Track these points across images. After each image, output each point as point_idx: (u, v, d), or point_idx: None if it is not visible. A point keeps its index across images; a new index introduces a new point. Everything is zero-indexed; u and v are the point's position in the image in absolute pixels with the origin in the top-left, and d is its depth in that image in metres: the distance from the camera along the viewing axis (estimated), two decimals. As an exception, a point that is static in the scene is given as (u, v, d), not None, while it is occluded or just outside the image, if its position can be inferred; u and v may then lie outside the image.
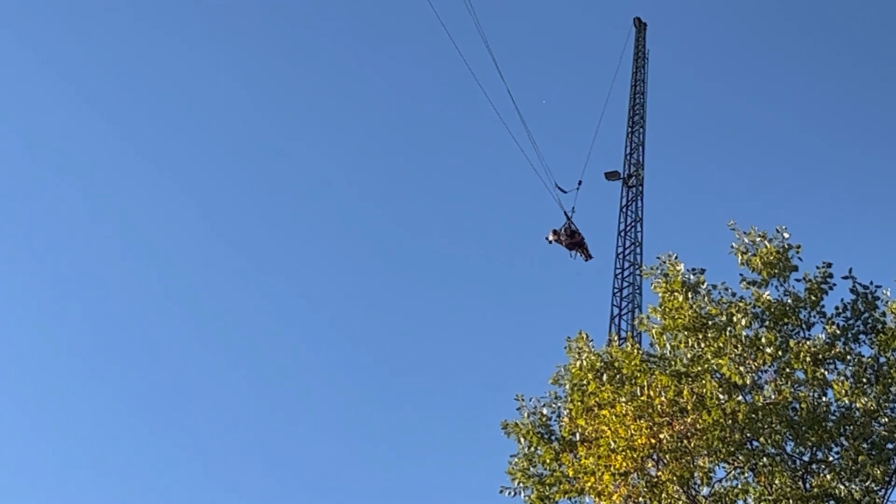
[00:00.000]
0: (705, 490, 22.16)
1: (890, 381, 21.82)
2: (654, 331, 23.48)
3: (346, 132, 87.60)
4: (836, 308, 22.61)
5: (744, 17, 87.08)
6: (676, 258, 23.49)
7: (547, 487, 23.47)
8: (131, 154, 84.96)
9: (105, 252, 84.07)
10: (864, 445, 21.42)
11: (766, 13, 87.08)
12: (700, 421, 21.64)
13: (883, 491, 21.61)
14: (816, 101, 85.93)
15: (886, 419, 21.69)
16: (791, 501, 21.35)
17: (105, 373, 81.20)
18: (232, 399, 79.02)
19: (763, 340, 22.14)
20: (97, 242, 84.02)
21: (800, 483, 21.75)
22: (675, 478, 21.72)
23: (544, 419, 24.07)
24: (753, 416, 21.57)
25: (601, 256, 48.52)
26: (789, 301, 22.65)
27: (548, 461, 23.55)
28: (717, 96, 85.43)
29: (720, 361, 22.20)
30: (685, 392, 22.01)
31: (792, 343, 22.14)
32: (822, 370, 22.01)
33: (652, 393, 22.16)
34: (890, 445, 21.53)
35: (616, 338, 26.45)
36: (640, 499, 22.06)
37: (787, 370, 22.17)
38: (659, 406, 22.03)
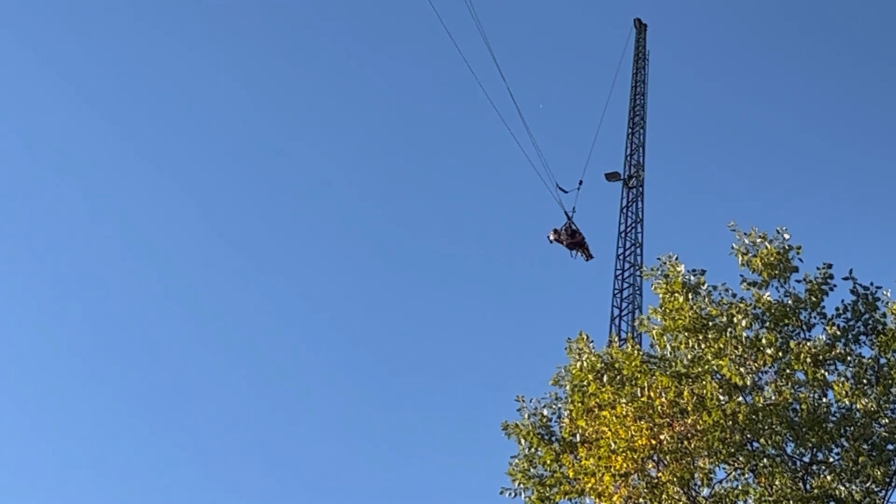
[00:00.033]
0: (706, 491, 22.17)
1: (890, 382, 21.82)
2: (654, 332, 23.48)
3: (346, 132, 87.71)
4: (837, 309, 22.62)
5: (744, 18, 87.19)
6: (677, 259, 23.51)
7: (547, 488, 23.47)
8: (131, 154, 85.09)
9: (105, 252, 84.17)
10: (865, 446, 21.42)
11: (766, 14, 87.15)
12: (700, 422, 21.64)
13: (883, 492, 21.62)
14: (816, 101, 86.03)
15: (887, 420, 21.69)
16: (791, 502, 21.35)
17: (105, 373, 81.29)
18: (232, 399, 79.10)
19: (763, 341, 22.14)
20: (97, 242, 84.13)
21: (800, 484, 21.75)
22: (675, 479, 21.72)
23: (545, 420, 24.07)
24: (754, 417, 21.57)
25: (602, 257, 48.56)
26: (790, 302, 22.65)
27: (548, 462, 23.55)
28: (717, 97, 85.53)
29: (720, 362, 22.20)
30: (685, 393, 22.01)
31: (792, 344, 22.14)
32: (823, 371, 22.01)
33: (652, 394, 22.16)
34: (890, 446, 21.53)
35: (616, 339, 26.47)
36: (641, 500, 22.06)
37: (788, 371, 22.17)
38: (659, 407, 22.04)
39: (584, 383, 23.26)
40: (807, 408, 21.67)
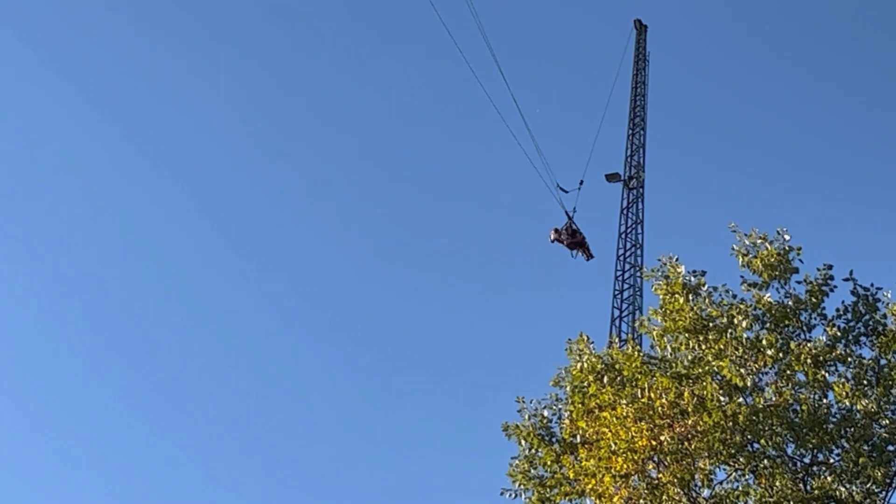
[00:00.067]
0: (706, 492, 22.18)
1: (891, 383, 21.83)
2: (654, 333, 23.48)
3: (347, 132, 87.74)
4: (837, 310, 22.63)
5: (744, 20, 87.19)
6: (677, 260, 23.52)
7: (548, 489, 23.48)
8: (131, 154, 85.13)
9: (105, 252, 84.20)
10: (865, 447, 21.43)
11: (766, 15, 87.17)
12: (701, 423, 21.65)
13: (884, 493, 21.63)
14: (817, 102, 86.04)
15: (887, 421, 21.70)
16: (792, 503, 21.36)
17: (105, 373, 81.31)
18: (232, 399, 79.11)
19: (764, 342, 22.15)
20: (97, 242, 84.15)
21: (800, 485, 21.76)
22: (675, 480, 21.73)
23: (545, 421, 24.08)
24: (754, 418, 21.58)
25: (602, 258, 48.56)
26: (790, 303, 22.66)
27: (548, 463, 23.56)
28: (717, 98, 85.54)
29: (721, 363, 22.21)
30: (686, 394, 22.02)
31: (793, 345, 22.15)
32: (823, 372, 22.02)
33: (653, 395, 22.17)
34: (891, 447, 21.53)
35: (617, 340, 26.48)
36: (641, 501, 22.07)
37: (788, 372, 22.17)
38: (660, 408, 22.04)
39: (585, 384, 23.26)
40: (807, 409, 21.68)
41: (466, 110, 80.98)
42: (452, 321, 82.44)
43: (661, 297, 23.35)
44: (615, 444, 21.97)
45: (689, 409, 21.91)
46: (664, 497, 21.90)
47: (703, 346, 22.66)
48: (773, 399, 21.95)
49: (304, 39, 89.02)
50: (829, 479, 21.82)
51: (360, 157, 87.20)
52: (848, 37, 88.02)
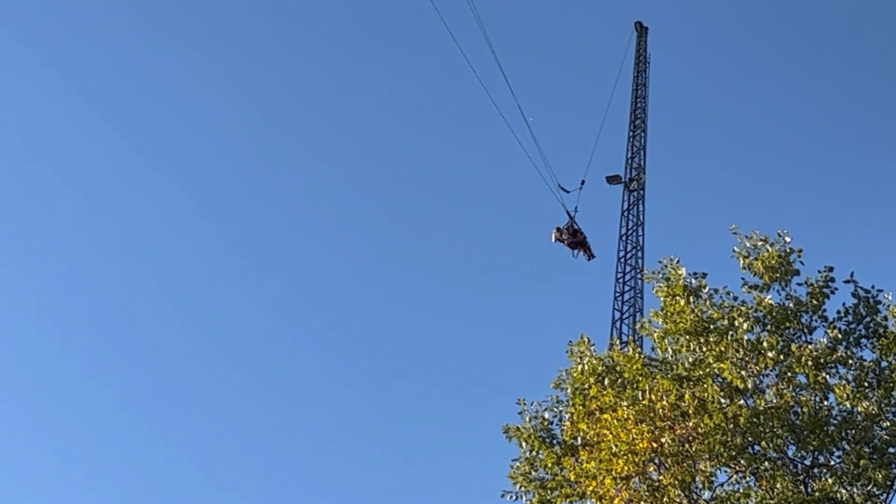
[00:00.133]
0: (707, 494, 22.17)
1: (892, 385, 21.83)
2: (655, 335, 23.47)
3: (347, 133, 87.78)
4: (838, 312, 22.63)
5: (745, 21, 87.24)
6: (678, 262, 23.50)
7: (548, 491, 23.49)
8: (131, 154, 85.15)
9: (105, 252, 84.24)
10: (866, 449, 21.43)
11: (767, 17, 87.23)
12: (701, 425, 21.65)
13: (884, 495, 21.62)
14: (818, 104, 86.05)
15: (888, 423, 21.69)
16: (793, 505, 21.38)
17: (105, 373, 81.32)
18: (232, 400, 79.11)
19: (765, 344, 22.15)
20: (97, 242, 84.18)
21: (801, 487, 21.75)
22: (676, 482, 21.73)
23: (546, 423, 24.09)
24: (755, 420, 21.57)
25: (603, 260, 48.58)
26: (791, 305, 22.65)
27: (549, 465, 23.57)
28: (718, 100, 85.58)
29: (722, 365, 22.20)
30: (687, 396, 22.02)
31: (793, 347, 22.14)
32: (824, 374, 22.02)
33: (653, 397, 22.17)
34: (892, 449, 21.53)
35: (617, 342, 26.49)
36: (642, 503, 22.06)
37: (789, 374, 22.18)
38: (660, 410, 22.05)
39: (586, 386, 23.27)
40: (808, 411, 21.68)
41: (467, 110, 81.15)
42: (453, 323, 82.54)
43: (661, 299, 23.35)
44: (616, 446, 21.97)
45: (690, 411, 21.91)
46: (665, 499, 21.90)
47: (704, 349, 22.65)
48: (774, 401, 21.95)
49: (304, 39, 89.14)
50: (829, 481, 21.81)
51: (360, 157, 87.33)
52: (848, 38, 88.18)
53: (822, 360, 22.01)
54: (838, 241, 70.00)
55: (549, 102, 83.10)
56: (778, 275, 22.79)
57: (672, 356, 23.08)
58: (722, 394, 22.11)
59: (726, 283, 23.19)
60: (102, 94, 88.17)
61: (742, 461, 21.93)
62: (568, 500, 23.26)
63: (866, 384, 21.91)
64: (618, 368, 23.24)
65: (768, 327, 22.54)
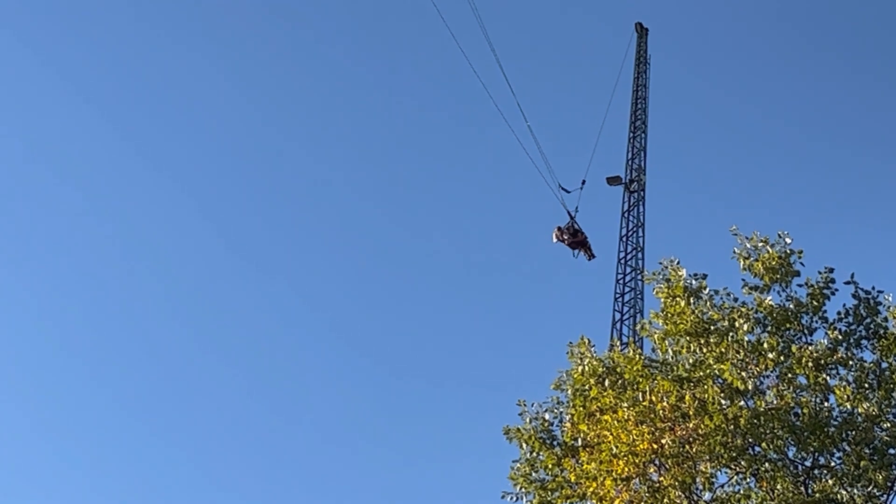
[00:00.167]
0: (707, 495, 22.17)
1: (892, 386, 21.83)
2: (655, 336, 23.48)
3: (347, 133, 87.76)
4: (839, 313, 22.64)
5: (746, 22, 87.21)
6: (678, 263, 23.51)
7: (549, 493, 23.49)
8: (131, 154, 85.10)
9: (105, 252, 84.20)
10: (866, 451, 21.43)
11: (767, 18, 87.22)
12: (702, 426, 21.65)
13: (885, 496, 21.62)
14: (819, 105, 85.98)
15: (888, 424, 21.70)
16: (793, 507, 21.38)
17: (105, 373, 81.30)
18: (232, 400, 79.08)
19: (765, 346, 22.16)
20: (97, 242, 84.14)
21: (801, 488, 21.75)
22: (676, 483, 21.73)
23: (546, 424, 24.09)
24: (755, 421, 21.58)
25: (603, 261, 48.54)
26: (791, 306, 22.66)
27: (550, 466, 23.57)
28: (718, 101, 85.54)
29: (722, 367, 22.21)
30: (687, 397, 22.02)
31: (794, 348, 22.15)
32: (824, 375, 22.03)
33: (654, 398, 22.17)
34: (892, 451, 21.53)
35: (618, 343, 26.55)
36: (642, 504, 22.08)
37: (789, 375, 22.18)
38: (661, 411, 22.05)
39: (586, 387, 23.27)
40: (808, 412, 21.68)
41: (467, 110, 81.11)
42: (453, 323, 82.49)
43: (662, 300, 23.35)
44: (616, 447, 21.97)
45: (691, 413, 21.91)
46: (665, 500, 21.90)
47: (705, 350, 22.66)
48: (775, 402, 21.96)
49: (304, 40, 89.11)
50: (830, 482, 21.82)
51: (360, 157, 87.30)
52: (848, 39, 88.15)
53: (822, 362, 22.02)
54: (839, 242, 70.02)
55: (550, 102, 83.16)
56: (778, 276, 22.80)
57: (672, 357, 23.09)
58: (722, 395, 22.12)
59: (727, 285, 23.24)
60: (102, 94, 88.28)
61: (742, 462, 21.93)
62: (568, 501, 23.25)
63: (867, 385, 21.91)
64: (618, 370, 23.24)
65: (769, 328, 22.55)
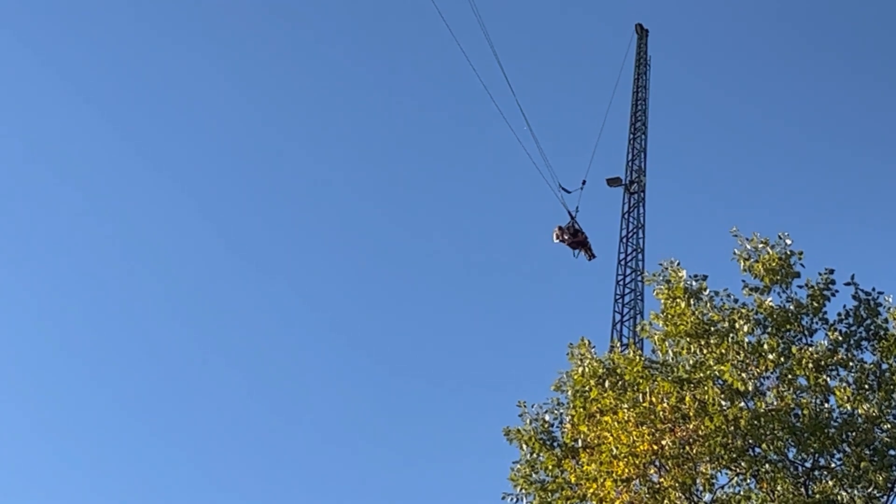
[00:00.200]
0: (707, 496, 22.17)
1: (892, 387, 21.84)
2: (656, 337, 23.48)
3: (348, 133, 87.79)
4: (839, 314, 22.64)
5: (746, 23, 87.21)
6: (678, 264, 23.51)
7: (549, 494, 23.49)
8: (131, 154, 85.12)
9: (105, 252, 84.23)
10: (867, 452, 21.44)
11: (767, 19, 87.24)
12: (702, 427, 21.66)
13: (885, 497, 21.62)
14: (819, 106, 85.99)
15: (889, 426, 21.70)
16: (793, 508, 21.38)
17: (105, 373, 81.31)
18: (232, 400, 79.10)
19: (765, 347, 22.16)
20: (97, 242, 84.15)
21: (802, 489, 21.75)
22: (677, 484, 21.73)
23: (546, 425, 24.10)
24: (756, 422, 21.58)
25: (603, 262, 48.54)
26: (791, 307, 22.67)
27: (550, 467, 23.57)
28: (719, 102, 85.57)
29: (722, 368, 22.21)
30: (687, 398, 22.03)
31: (794, 349, 22.15)
32: (825, 377, 22.03)
33: (654, 399, 22.18)
34: (892, 452, 21.54)
35: (618, 344, 26.55)
36: (643, 505, 22.08)
37: (790, 377, 22.18)
38: (661, 412, 22.05)
39: (586, 388, 23.27)
40: (808, 413, 21.68)
41: (467, 110, 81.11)
42: (453, 324, 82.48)
43: (662, 301, 23.36)
44: (616, 448, 21.97)
45: (691, 414, 21.92)
46: (666, 501, 21.90)
47: (705, 351, 22.66)
48: (775, 403, 21.96)
49: (304, 40, 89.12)
50: (830, 483, 21.82)
51: (360, 157, 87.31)
52: (849, 39, 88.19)
53: (822, 363, 22.02)
54: (839, 243, 70.06)
55: (550, 103, 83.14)
56: (778, 277, 22.81)
57: (673, 358, 23.09)
58: (722, 396, 22.12)
59: (727, 286, 23.25)
60: (102, 94, 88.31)
61: (743, 463, 21.93)
62: (569, 502, 23.25)
63: (867, 386, 21.92)
64: (618, 371, 23.25)
65: (769, 329, 22.55)
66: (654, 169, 52.02)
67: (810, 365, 21.89)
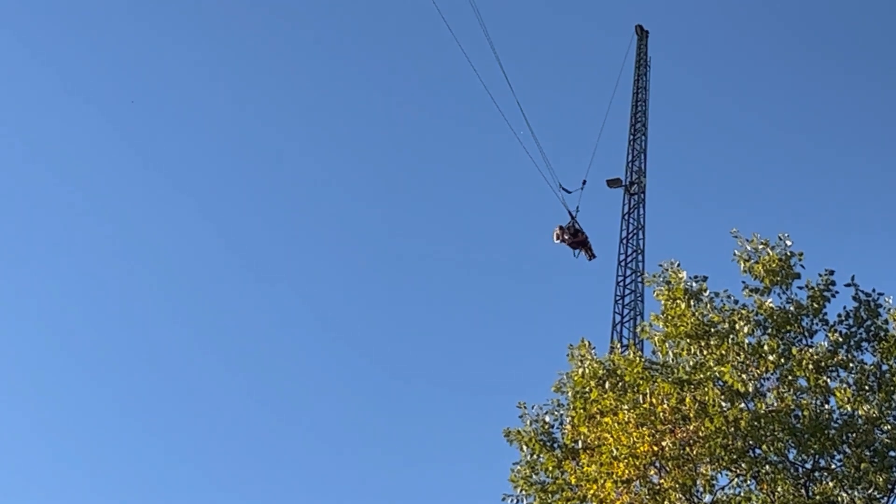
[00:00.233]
0: (708, 498, 22.18)
1: (892, 388, 21.84)
2: (656, 338, 23.49)
3: (347, 133, 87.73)
4: (839, 316, 22.65)
5: (746, 25, 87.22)
6: (679, 266, 23.52)
7: (549, 495, 23.49)
8: (131, 154, 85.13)
9: (105, 252, 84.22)
10: (867, 453, 21.44)
11: (768, 20, 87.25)
12: (702, 428, 21.66)
13: (885, 499, 21.62)
14: (819, 107, 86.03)
15: (889, 427, 21.71)
16: (793, 509, 21.38)
17: (105, 373, 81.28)
18: (232, 401, 79.07)
19: (765, 348, 22.17)
20: (97, 242, 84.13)
21: (802, 491, 21.75)
22: (677, 485, 21.73)
23: (547, 427, 24.10)
24: (756, 423, 21.58)
25: (603, 263, 48.54)
26: (792, 309, 22.67)
27: (550, 469, 23.57)
28: (719, 103, 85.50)
29: (722, 369, 22.21)
30: (687, 399, 22.03)
31: (794, 351, 22.16)
32: (825, 378, 22.03)
33: (654, 400, 22.18)
34: (892, 453, 21.53)
35: (618, 345, 26.55)
36: (643, 506, 22.07)
37: (790, 378, 22.18)
38: (661, 413, 22.05)
39: (586, 390, 23.28)
40: (809, 414, 21.68)
41: (468, 111, 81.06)
42: (453, 325, 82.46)
43: (662, 302, 23.37)
44: (617, 449, 21.97)
45: (691, 415, 21.92)
46: (666, 502, 21.90)
47: (705, 352, 22.66)
48: (775, 404, 21.96)
49: (304, 39, 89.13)
50: (830, 484, 21.82)
51: (360, 158, 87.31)
52: (847, 39, 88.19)
53: (822, 364, 22.02)
54: (839, 244, 70.07)
55: (550, 103, 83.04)
56: (779, 278, 22.81)
57: (673, 360, 23.09)
58: (723, 397, 22.12)
59: (727, 287, 23.26)
60: (102, 94, 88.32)
61: (743, 465, 21.93)
62: (569, 503, 23.26)
63: (867, 388, 21.93)
64: (618, 372, 23.25)
65: (769, 331, 22.55)
66: (655, 170, 52.05)
67: (810, 366, 21.89)
